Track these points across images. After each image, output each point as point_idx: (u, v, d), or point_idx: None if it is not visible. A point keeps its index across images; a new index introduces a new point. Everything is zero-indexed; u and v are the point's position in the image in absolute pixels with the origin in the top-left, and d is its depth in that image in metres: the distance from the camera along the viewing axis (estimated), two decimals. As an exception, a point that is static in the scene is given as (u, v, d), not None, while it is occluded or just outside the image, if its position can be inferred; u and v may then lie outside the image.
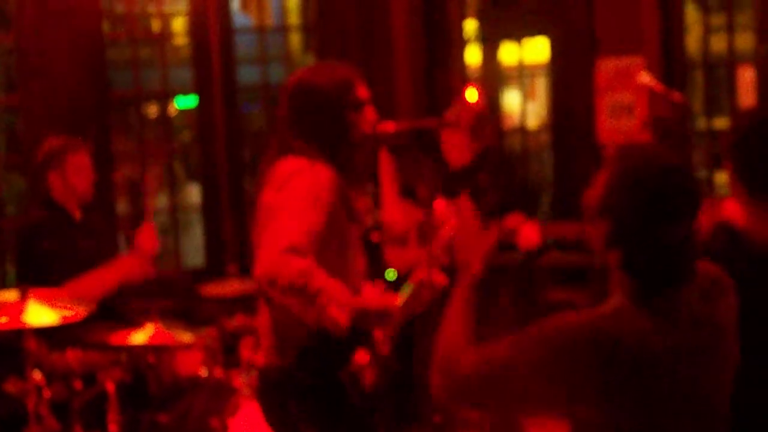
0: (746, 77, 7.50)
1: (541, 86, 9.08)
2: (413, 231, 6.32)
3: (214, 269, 7.85)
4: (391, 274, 6.24)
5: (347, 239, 4.15)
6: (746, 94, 7.42)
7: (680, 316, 2.82)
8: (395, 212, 5.47)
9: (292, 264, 3.67)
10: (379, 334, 4.18)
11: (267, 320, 4.15)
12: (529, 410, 3.02)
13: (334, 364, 4.02)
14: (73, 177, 6.12)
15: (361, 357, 4.07)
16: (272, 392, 4.15)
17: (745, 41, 7.53)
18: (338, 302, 3.76)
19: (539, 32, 8.59)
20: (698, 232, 2.83)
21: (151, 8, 8.42)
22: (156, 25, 8.46)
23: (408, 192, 6.35)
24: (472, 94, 6.90)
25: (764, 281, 3.22)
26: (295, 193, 3.87)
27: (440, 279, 4.25)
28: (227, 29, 8.14)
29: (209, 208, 8.23)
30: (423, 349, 5.17)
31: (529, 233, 5.84)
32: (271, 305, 4.10)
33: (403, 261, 6.03)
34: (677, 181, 2.77)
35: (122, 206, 8.81)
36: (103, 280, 5.91)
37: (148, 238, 6.12)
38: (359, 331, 4.05)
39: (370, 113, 4.16)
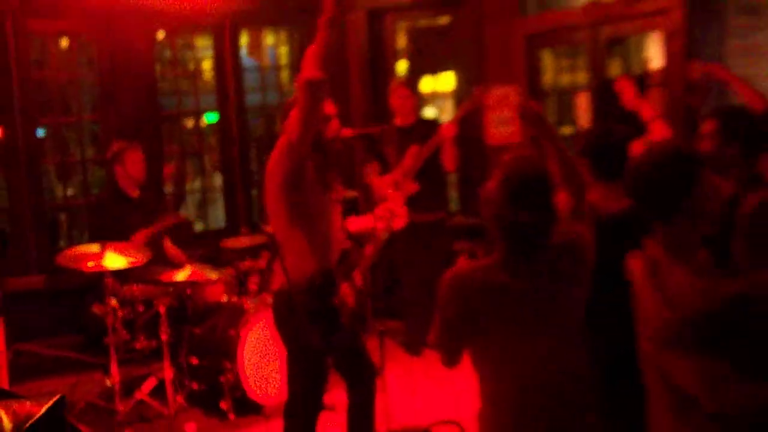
0: (583, 101, 7.51)
1: (449, 106, 9.05)
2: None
3: (231, 229, 7.81)
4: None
5: (326, 203, 4.13)
6: (583, 113, 7.44)
7: (536, 267, 2.85)
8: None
9: None
10: (357, 273, 4.25)
11: (281, 264, 4.12)
12: (470, 347, 2.95)
13: (330, 293, 4.05)
14: (131, 168, 6.23)
15: (345, 288, 4.11)
16: (285, 309, 4.14)
17: (582, 77, 7.50)
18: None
19: (448, 69, 8.53)
20: (553, 217, 2.84)
21: (188, 54, 8.39)
22: (192, 65, 8.42)
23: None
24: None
25: (607, 238, 3.23)
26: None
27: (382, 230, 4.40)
28: (238, 68, 8.09)
29: (228, 190, 8.13)
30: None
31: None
32: (283, 256, 4.10)
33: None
34: (535, 182, 2.80)
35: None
36: None
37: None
38: (345, 271, 4.17)
39: (335, 123, 4.16)
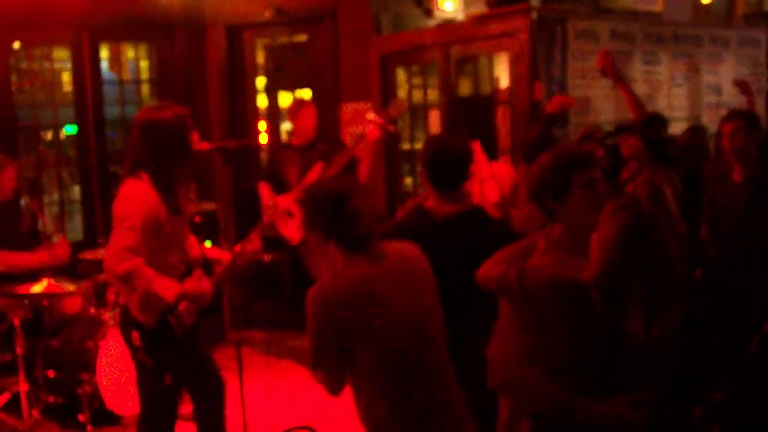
0: (434, 117, 7.65)
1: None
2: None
3: (89, 241, 7.60)
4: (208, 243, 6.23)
5: (169, 227, 4.04)
6: (435, 128, 7.55)
7: (381, 258, 3.01)
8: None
9: (126, 262, 3.79)
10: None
11: None
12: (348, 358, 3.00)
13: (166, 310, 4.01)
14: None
15: (183, 306, 4.02)
16: (126, 325, 4.09)
17: (433, 95, 7.61)
18: (161, 287, 3.86)
19: (305, 86, 8.55)
20: (370, 220, 3.03)
21: (47, 65, 8.14)
22: (49, 77, 8.17)
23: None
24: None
25: (439, 238, 3.51)
26: (120, 213, 3.92)
27: (256, 246, 4.38)
28: (98, 80, 7.97)
29: (86, 202, 8.02)
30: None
31: None
32: None
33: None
34: (340, 200, 2.98)
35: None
36: (23, 262, 5.75)
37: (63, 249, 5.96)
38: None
39: (195, 136, 4.11)
